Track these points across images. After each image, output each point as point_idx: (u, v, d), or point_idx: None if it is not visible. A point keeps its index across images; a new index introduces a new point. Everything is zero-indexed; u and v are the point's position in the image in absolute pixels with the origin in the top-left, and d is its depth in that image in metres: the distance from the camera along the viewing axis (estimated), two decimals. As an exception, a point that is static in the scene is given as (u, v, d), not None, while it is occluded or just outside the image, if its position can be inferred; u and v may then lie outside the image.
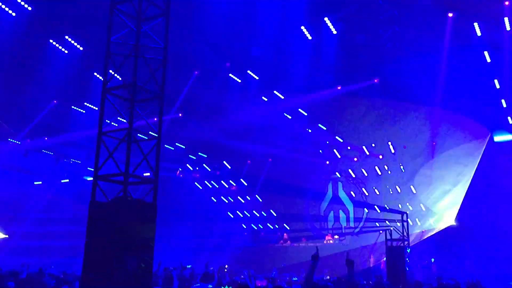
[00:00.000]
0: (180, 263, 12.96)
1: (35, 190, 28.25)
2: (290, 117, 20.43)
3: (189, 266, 16.28)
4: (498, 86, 16.38)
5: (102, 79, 6.98)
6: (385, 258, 16.64)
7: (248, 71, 17.31)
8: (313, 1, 13.54)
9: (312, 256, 6.25)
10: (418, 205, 21.11)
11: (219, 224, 25.75)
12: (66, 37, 15.37)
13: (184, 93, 18.32)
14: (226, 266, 18.06)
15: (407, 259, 15.44)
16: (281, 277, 15.39)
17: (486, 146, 19.53)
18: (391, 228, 16.08)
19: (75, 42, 15.54)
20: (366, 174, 22.67)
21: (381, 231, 19.14)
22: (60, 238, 29.54)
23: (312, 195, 24.59)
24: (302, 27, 14.68)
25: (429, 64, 15.86)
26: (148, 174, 6.84)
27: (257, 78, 17.54)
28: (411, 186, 20.71)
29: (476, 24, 13.90)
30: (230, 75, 17.46)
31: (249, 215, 25.73)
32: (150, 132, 6.82)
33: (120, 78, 7.91)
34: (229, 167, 24.98)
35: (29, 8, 13.75)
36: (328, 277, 15.27)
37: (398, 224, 16.40)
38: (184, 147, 22.23)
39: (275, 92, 18.68)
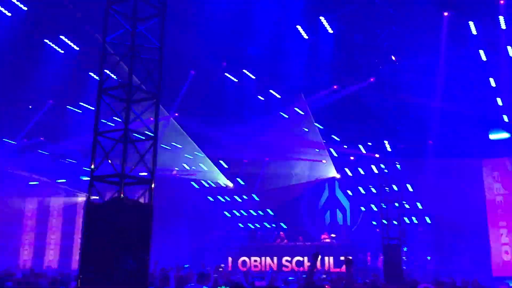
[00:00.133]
0: (177, 264, 12.99)
1: (31, 190, 28.16)
2: (287, 116, 20.47)
3: (187, 266, 16.32)
4: (493, 85, 16.43)
5: (98, 79, 6.96)
6: (382, 257, 16.69)
7: (244, 71, 17.31)
8: (309, 0, 13.55)
9: (312, 255, 6.27)
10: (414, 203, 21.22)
11: (215, 224, 25.76)
12: (62, 37, 15.33)
13: (182, 92, 18.31)
14: (222, 265, 18.09)
15: (404, 257, 15.49)
16: (277, 277, 15.39)
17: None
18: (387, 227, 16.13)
19: (70, 42, 15.51)
20: (362, 173, 22.71)
21: (378, 230, 19.17)
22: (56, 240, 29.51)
23: (309, 194, 24.63)
24: (298, 27, 14.68)
25: (425, 63, 15.91)
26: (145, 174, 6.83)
27: (253, 77, 17.55)
28: (407, 185, 20.78)
29: (471, 23, 13.93)
30: (226, 74, 17.45)
31: (246, 214, 25.75)
32: (146, 132, 6.81)
33: (115, 78, 7.91)
34: (226, 167, 24.96)
35: (25, 8, 13.70)
36: (324, 276, 15.29)
37: (395, 222, 16.46)
38: (180, 146, 22.19)
39: (271, 91, 18.70)
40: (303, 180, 23.33)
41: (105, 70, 6.92)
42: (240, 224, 25.89)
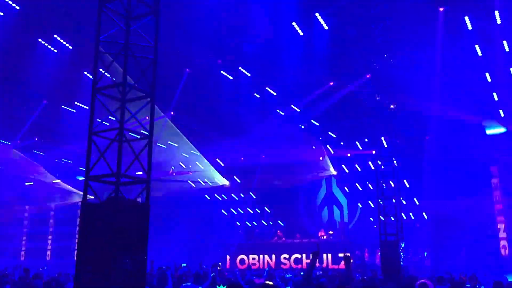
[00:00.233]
0: (174, 263, 12.94)
1: (28, 191, 28.07)
2: (282, 114, 20.42)
3: (184, 265, 16.27)
4: (489, 80, 16.43)
5: (92, 78, 6.89)
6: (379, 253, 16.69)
7: (240, 68, 17.25)
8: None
9: (312, 253, 6.24)
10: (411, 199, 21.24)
11: (213, 222, 25.73)
12: (55, 36, 15.22)
13: (178, 91, 18.24)
14: (220, 264, 18.06)
15: (401, 253, 15.48)
16: (275, 274, 15.37)
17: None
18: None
19: (64, 41, 15.39)
20: (359, 169, 22.71)
21: (375, 226, 19.18)
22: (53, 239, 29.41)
23: (306, 191, 24.63)
24: (294, 23, 14.62)
25: (420, 58, 15.88)
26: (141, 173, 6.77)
27: (249, 75, 17.48)
28: (404, 181, 20.78)
29: (467, 18, 13.90)
30: (222, 72, 17.38)
31: (243, 212, 25.72)
32: (142, 131, 6.74)
33: (109, 76, 7.82)
34: (222, 165, 24.92)
35: (17, 7, 13.59)
36: (320, 272, 15.24)
37: (392, 218, 16.44)
38: (176, 145, 22.14)
39: (267, 88, 18.65)
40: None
41: (99, 69, 6.85)
42: (238, 222, 25.85)
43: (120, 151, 6.24)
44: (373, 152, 19.92)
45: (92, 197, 6.44)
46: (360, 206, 23.15)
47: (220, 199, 26.09)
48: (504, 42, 14.81)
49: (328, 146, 22.71)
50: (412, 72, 16.34)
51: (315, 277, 11.59)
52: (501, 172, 20.12)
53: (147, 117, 6.88)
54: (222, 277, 11.57)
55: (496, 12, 13.63)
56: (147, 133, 6.66)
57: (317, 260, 6.22)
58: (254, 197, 25.32)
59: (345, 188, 23.86)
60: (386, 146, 17.70)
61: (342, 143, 22.98)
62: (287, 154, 22.80)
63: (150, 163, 6.58)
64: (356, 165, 22.81)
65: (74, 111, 19.34)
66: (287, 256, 21.49)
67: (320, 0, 13.94)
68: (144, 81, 6.87)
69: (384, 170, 17.36)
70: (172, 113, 19.99)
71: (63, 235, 28.79)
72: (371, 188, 22.28)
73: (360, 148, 22.41)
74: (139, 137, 6.78)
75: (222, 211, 26.03)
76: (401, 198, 17.58)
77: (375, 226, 19.56)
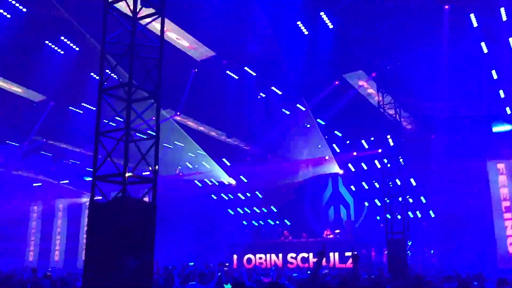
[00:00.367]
0: (181, 262, 12.99)
1: (36, 192, 28.27)
2: (288, 113, 20.43)
3: (192, 264, 16.32)
4: (495, 77, 16.36)
5: (98, 79, 6.95)
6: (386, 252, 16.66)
7: (246, 68, 17.27)
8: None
9: (318, 252, 6.27)
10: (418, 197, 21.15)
11: (219, 222, 25.75)
12: (62, 37, 15.32)
13: (186, 92, 18.27)
14: (227, 264, 18.07)
15: (408, 252, 15.45)
16: (281, 273, 15.39)
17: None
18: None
19: (70, 42, 15.50)
20: (365, 168, 22.65)
21: (382, 224, 19.14)
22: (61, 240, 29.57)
23: (313, 190, 24.59)
24: (298, 22, 14.63)
25: (426, 56, 15.84)
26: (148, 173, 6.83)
27: (254, 74, 17.50)
28: (411, 179, 20.72)
29: (472, 15, 13.85)
30: (227, 72, 17.41)
31: (249, 212, 25.73)
32: (148, 131, 6.79)
33: (115, 77, 7.89)
34: (228, 164, 24.96)
35: (24, 10, 13.70)
36: (326, 271, 15.23)
37: (399, 216, 16.41)
38: (182, 145, 22.19)
39: (272, 88, 18.67)
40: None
41: (106, 70, 6.91)
42: (244, 222, 25.87)
43: (126, 151, 6.30)
44: (379, 150, 19.86)
45: (100, 197, 6.50)
46: (367, 204, 23.07)
47: (227, 198, 26.12)
48: (510, 39, 14.73)
49: (334, 145, 22.68)
50: (418, 70, 16.30)
51: (321, 276, 11.62)
52: (509, 169, 20.00)
53: (153, 118, 6.93)
54: (228, 277, 11.60)
55: (502, 9, 13.57)
56: (153, 133, 6.72)
57: (323, 259, 6.25)
58: (261, 196, 25.32)
59: (351, 187, 23.78)
60: (392, 144, 17.67)
61: (348, 142, 22.94)
62: (292, 153, 22.81)
63: (156, 162, 6.63)
64: (362, 163, 22.75)
65: (82, 112, 19.47)
66: (294, 255, 21.49)
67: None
68: (150, 82, 6.92)
69: (390, 169, 17.33)
70: (178, 113, 20.04)
71: (71, 235, 28.96)
72: (378, 186, 22.22)
73: (366, 147, 22.37)
74: (145, 137, 6.83)
75: (229, 210, 26.05)
76: (407, 197, 17.53)
77: (381, 225, 19.52)
